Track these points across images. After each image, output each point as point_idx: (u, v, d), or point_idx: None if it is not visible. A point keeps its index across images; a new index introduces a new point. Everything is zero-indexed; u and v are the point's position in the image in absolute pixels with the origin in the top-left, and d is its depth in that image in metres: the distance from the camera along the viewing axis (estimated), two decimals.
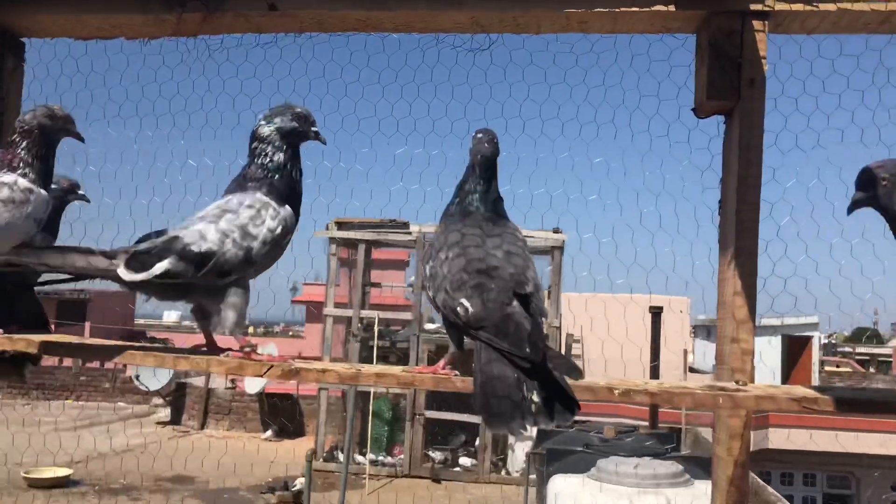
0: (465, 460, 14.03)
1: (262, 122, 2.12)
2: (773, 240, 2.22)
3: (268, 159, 2.09)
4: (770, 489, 9.63)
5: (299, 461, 11.05)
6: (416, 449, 13.48)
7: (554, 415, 1.56)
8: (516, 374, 1.61)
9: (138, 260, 1.96)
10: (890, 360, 33.17)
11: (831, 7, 2.16)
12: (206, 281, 1.98)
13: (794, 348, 22.56)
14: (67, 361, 21.11)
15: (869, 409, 1.71)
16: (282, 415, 16.92)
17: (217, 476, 12.12)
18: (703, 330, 23.44)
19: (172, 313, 41.99)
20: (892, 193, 1.76)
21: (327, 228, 14.21)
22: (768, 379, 20.60)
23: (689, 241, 2.39)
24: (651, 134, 2.35)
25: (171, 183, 2.51)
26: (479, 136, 1.95)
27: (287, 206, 2.06)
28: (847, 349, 32.70)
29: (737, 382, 1.87)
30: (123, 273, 1.93)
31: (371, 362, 14.15)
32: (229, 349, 2.03)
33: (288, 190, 2.08)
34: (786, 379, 21.69)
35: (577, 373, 1.64)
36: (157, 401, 19.66)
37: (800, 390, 1.72)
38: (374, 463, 13.62)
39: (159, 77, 2.57)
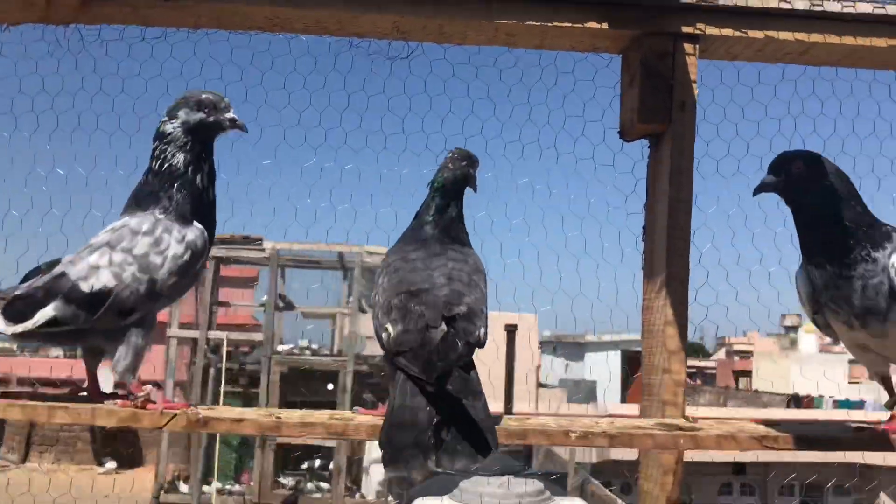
0: (319, 485, 13.63)
1: (165, 118, 1.78)
2: (695, 266, 2.16)
3: (166, 164, 1.75)
4: (621, 502, 9.94)
5: (139, 495, 10.27)
6: (266, 476, 12.92)
7: (456, 456, 1.38)
8: (429, 407, 1.44)
9: (16, 307, 1.63)
10: (714, 372, 35.69)
11: (759, 35, 2.14)
12: (104, 324, 1.67)
13: (633, 363, 23.74)
14: None
15: (831, 446, 1.67)
16: (118, 444, 15.77)
17: None
18: (549, 346, 24.20)
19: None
20: (803, 183, 1.73)
21: None
22: (612, 393, 21.51)
23: (613, 267, 2.31)
24: (576, 156, 2.25)
25: (33, 193, 2.13)
26: (448, 156, 1.82)
27: (195, 224, 1.75)
28: None
29: (687, 419, 1.77)
30: (2, 326, 1.62)
31: (219, 386, 13.45)
32: (115, 394, 1.71)
33: (193, 201, 1.76)
34: (625, 391, 22.76)
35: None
36: None
37: (761, 429, 1.65)
38: (220, 492, 12.92)
39: (20, 70, 2.19)
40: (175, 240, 1.71)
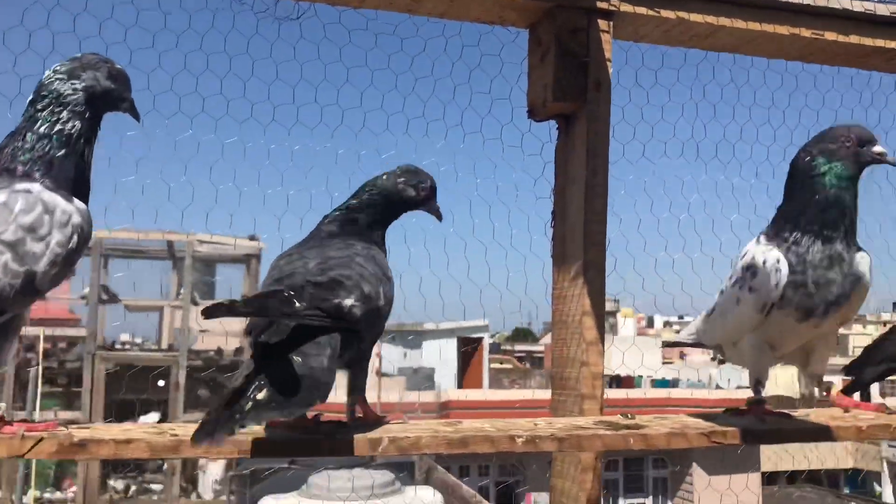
0: (149, 487, 12.84)
1: (61, 76, 1.44)
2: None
3: (57, 128, 1.43)
4: (465, 486, 10.03)
5: None
6: (92, 479, 11.97)
7: (263, 410, 1.22)
8: (252, 367, 1.30)
9: None
10: (542, 356, 37.17)
11: (671, 15, 2.08)
12: None
13: (467, 349, 24.23)
14: None
15: (772, 439, 1.62)
16: None
17: None
18: (387, 335, 24.11)
19: None
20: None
21: None
22: (448, 379, 21.80)
23: (522, 255, 2.19)
24: (483, 135, 2.10)
25: None
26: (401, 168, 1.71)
27: (77, 202, 1.43)
28: (508, 347, 36.02)
29: (624, 416, 1.67)
30: None
31: (36, 385, 12.27)
32: None
33: (77, 174, 1.44)
34: (462, 377, 23.17)
35: None
36: None
37: (705, 424, 1.57)
38: (39, 501, 11.84)
39: None
40: (58, 223, 1.38)
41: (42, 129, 1.42)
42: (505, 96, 2.11)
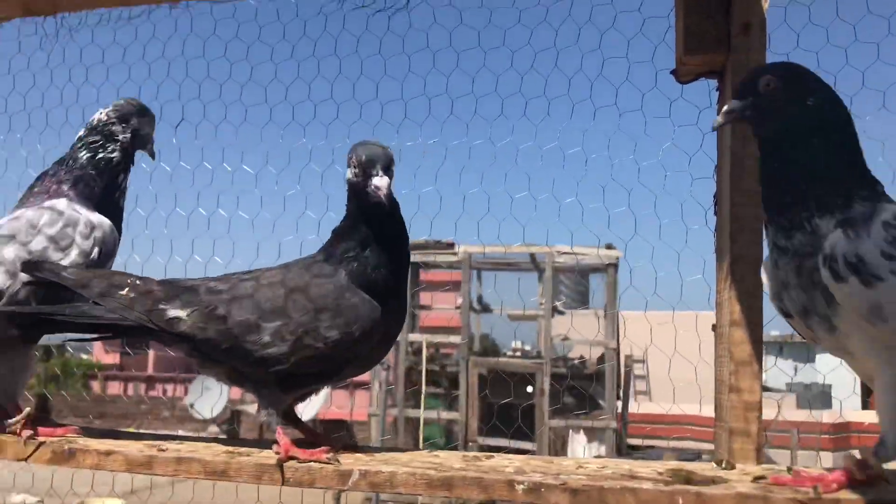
0: None
1: (112, 119, 1.66)
2: None
3: (100, 155, 1.64)
4: None
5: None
6: None
7: None
8: None
9: None
10: None
11: None
12: None
13: None
14: (130, 390, 21.27)
15: None
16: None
17: None
18: (775, 347, 21.99)
19: None
20: (773, 104, 1.23)
21: None
22: (853, 399, 19.14)
23: (675, 252, 1.77)
24: (619, 108, 1.73)
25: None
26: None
27: (101, 217, 1.55)
28: None
29: (718, 464, 1.23)
30: None
31: (420, 387, 13.60)
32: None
33: (107, 196, 1.58)
34: (867, 395, 20.15)
35: None
36: (213, 429, 19.53)
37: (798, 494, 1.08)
38: None
39: (14, 67, 2.09)
40: (81, 234, 1.48)
41: (85, 157, 1.58)
42: (647, 59, 1.72)
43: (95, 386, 20.26)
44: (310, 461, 1.24)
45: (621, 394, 14.13)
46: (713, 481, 1.13)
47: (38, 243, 1.46)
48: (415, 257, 13.92)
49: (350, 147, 1.43)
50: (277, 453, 1.29)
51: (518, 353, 18.86)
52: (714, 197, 1.71)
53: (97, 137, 1.63)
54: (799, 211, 1.17)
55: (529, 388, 14.14)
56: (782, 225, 1.19)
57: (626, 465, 1.28)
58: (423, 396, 13.72)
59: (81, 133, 1.65)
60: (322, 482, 1.21)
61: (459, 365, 13.82)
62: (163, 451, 1.32)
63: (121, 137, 1.65)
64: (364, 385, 14.54)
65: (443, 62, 1.82)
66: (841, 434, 15.47)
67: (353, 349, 1.35)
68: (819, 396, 17.92)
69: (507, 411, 13.72)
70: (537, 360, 14.06)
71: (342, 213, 1.38)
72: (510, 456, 1.34)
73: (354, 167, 1.38)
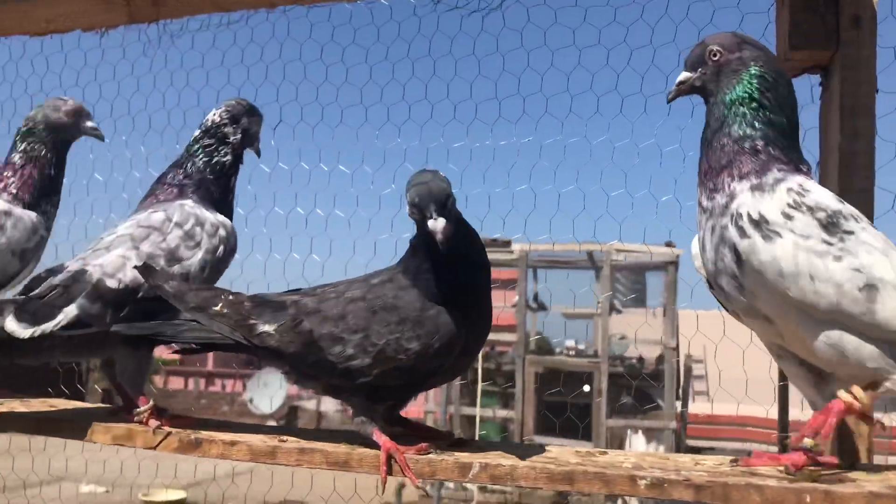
0: None
1: (225, 119, 1.71)
2: None
3: (215, 158, 1.70)
4: None
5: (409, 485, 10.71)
6: None
7: None
8: None
9: (32, 308, 1.46)
10: None
11: None
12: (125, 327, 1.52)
13: None
14: (190, 384, 21.74)
15: None
16: None
17: (330, 500, 11.81)
18: None
19: None
20: (719, 73, 1.30)
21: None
22: None
23: None
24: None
25: (131, 197, 2.09)
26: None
27: (223, 217, 1.63)
28: None
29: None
30: (15, 328, 1.43)
31: (476, 384, 13.64)
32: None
33: (222, 198, 1.65)
34: None
35: None
36: (271, 423, 19.86)
37: None
38: (483, 489, 13.05)
39: (118, 73, 2.17)
40: (207, 233, 1.55)
41: (201, 161, 1.63)
42: None
43: (158, 380, 20.77)
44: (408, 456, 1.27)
45: (680, 393, 13.92)
46: (840, 480, 1.12)
47: (173, 238, 1.53)
48: None
49: (408, 179, 1.36)
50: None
51: (572, 352, 18.75)
52: None
53: (211, 141, 1.69)
54: (724, 176, 1.25)
55: (586, 388, 14.06)
56: (708, 187, 1.26)
57: (744, 468, 1.28)
58: (478, 394, 13.76)
59: (197, 134, 1.70)
60: (442, 474, 1.24)
61: (515, 363, 13.82)
62: (283, 441, 1.37)
63: (232, 140, 1.70)
64: None
65: (537, 61, 1.84)
66: None
67: (435, 361, 1.36)
68: (886, 398, 17.42)
69: (564, 410, 13.66)
70: (594, 359, 13.97)
71: None
72: (623, 452, 1.35)
73: (409, 205, 1.33)
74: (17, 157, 1.64)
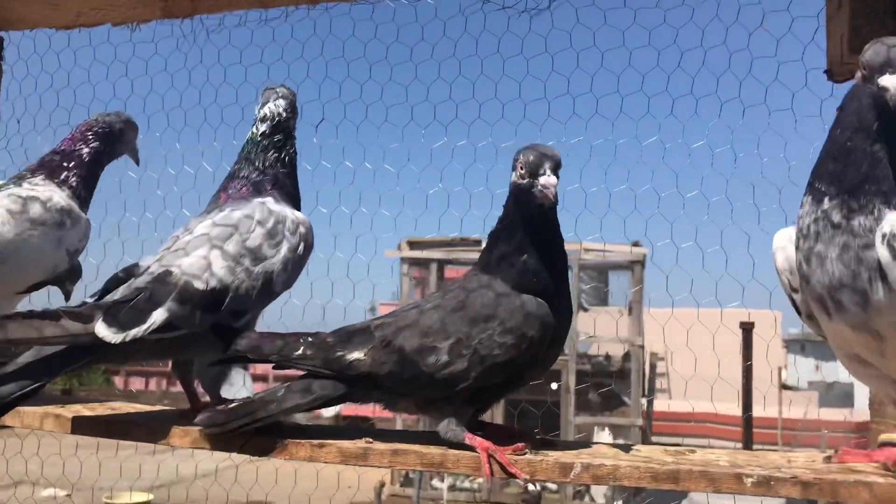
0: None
1: (290, 114, 1.70)
2: None
3: (284, 152, 1.67)
4: None
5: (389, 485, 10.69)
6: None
7: None
8: None
9: (118, 312, 1.41)
10: None
11: None
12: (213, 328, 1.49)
13: None
14: (152, 385, 21.37)
15: None
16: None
17: (292, 498, 11.70)
18: (797, 345, 21.97)
19: None
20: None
21: (399, 248, 13.82)
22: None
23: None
24: (769, 107, 1.76)
25: (166, 195, 2.05)
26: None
27: (301, 214, 1.62)
28: None
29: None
30: (105, 333, 1.37)
31: None
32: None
33: (295, 192, 1.65)
34: None
35: None
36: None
37: None
38: (451, 488, 13.06)
39: (151, 68, 2.12)
40: (289, 230, 1.53)
41: (273, 156, 1.60)
42: (796, 58, 1.74)
43: (118, 381, 20.35)
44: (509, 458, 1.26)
45: (646, 391, 14.12)
46: None
47: (256, 237, 1.49)
48: (438, 254, 13.95)
49: (516, 150, 1.43)
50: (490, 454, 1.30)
51: None
52: None
53: (280, 136, 1.66)
54: (872, 196, 1.20)
55: (554, 385, 14.16)
56: (849, 205, 1.20)
57: (847, 465, 1.29)
58: None
59: (265, 129, 1.65)
60: (543, 474, 1.23)
61: None
62: (370, 443, 1.35)
63: (294, 133, 1.68)
64: None
65: (587, 62, 1.85)
66: (863, 434, 15.45)
67: (531, 351, 1.36)
68: (841, 396, 17.92)
69: (531, 408, 13.74)
70: (562, 357, 14.11)
71: (485, 210, 1.40)
72: (711, 449, 1.35)
73: (521, 169, 1.38)
74: (84, 150, 1.59)
